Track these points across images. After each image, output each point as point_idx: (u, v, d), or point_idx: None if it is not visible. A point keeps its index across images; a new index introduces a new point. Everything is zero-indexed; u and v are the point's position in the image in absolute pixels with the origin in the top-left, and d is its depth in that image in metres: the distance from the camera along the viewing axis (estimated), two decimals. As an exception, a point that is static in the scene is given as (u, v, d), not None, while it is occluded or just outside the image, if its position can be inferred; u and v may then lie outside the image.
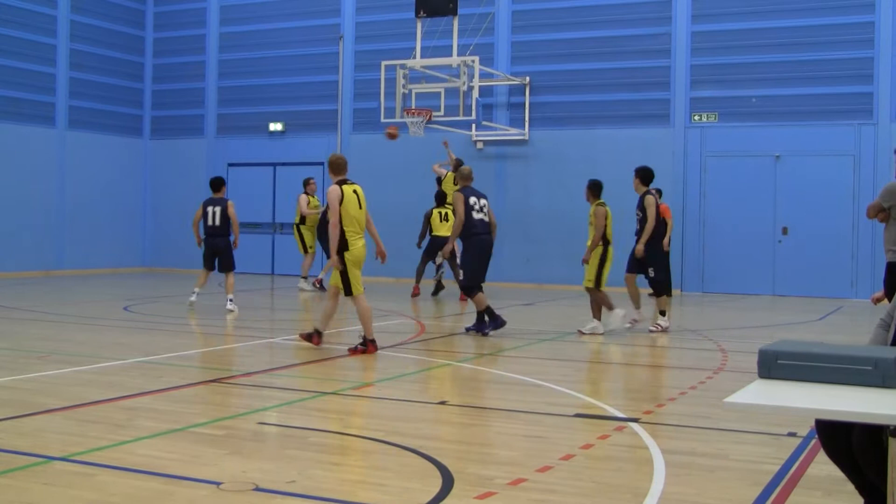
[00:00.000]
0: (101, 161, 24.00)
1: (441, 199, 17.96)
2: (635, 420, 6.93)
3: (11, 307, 15.08)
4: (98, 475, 5.36)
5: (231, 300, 14.52)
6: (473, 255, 11.98)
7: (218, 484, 5.15)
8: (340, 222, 10.02)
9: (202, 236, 14.74)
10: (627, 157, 20.37)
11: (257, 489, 5.08)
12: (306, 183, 18.91)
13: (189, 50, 25.36)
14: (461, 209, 11.84)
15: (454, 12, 18.25)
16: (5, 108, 22.02)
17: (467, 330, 12.07)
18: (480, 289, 11.95)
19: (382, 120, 19.23)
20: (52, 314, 14.30)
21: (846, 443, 4.22)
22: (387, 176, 21.49)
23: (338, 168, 10.50)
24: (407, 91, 18.98)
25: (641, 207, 12.59)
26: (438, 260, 18.03)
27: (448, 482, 5.25)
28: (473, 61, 18.28)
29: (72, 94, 23.70)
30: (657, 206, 12.54)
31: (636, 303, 13.06)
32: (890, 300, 6.41)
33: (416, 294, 17.72)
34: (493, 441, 6.44)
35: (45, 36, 23.08)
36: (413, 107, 18.71)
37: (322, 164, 23.33)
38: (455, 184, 16.02)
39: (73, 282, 19.99)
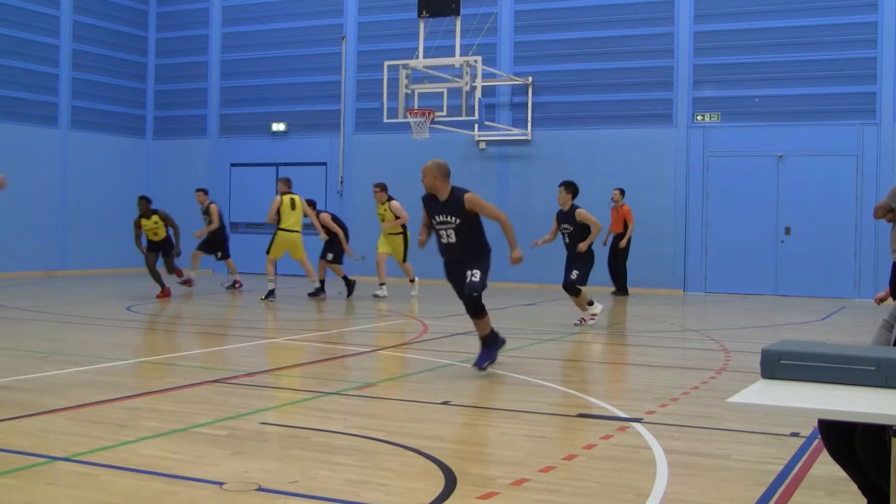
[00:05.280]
0: (104, 161, 24.05)
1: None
2: (638, 420, 6.92)
3: (13, 307, 15.09)
4: (101, 475, 5.36)
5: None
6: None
7: (220, 484, 5.15)
8: None
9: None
10: (630, 158, 20.42)
11: (260, 489, 5.08)
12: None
13: (192, 50, 25.38)
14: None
15: (457, 12, 18.26)
16: (8, 109, 22.06)
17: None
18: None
19: (385, 120, 19.25)
20: (54, 314, 14.31)
21: (849, 443, 4.22)
22: (389, 176, 21.47)
23: None
24: (409, 91, 18.97)
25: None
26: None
27: (450, 482, 5.25)
28: (476, 61, 18.27)
29: (74, 94, 23.73)
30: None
31: None
32: (895, 300, 6.41)
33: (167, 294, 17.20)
34: (495, 441, 6.44)
35: (48, 36, 23.12)
36: (416, 107, 18.71)
37: (325, 164, 23.37)
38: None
39: (75, 282, 19.99)
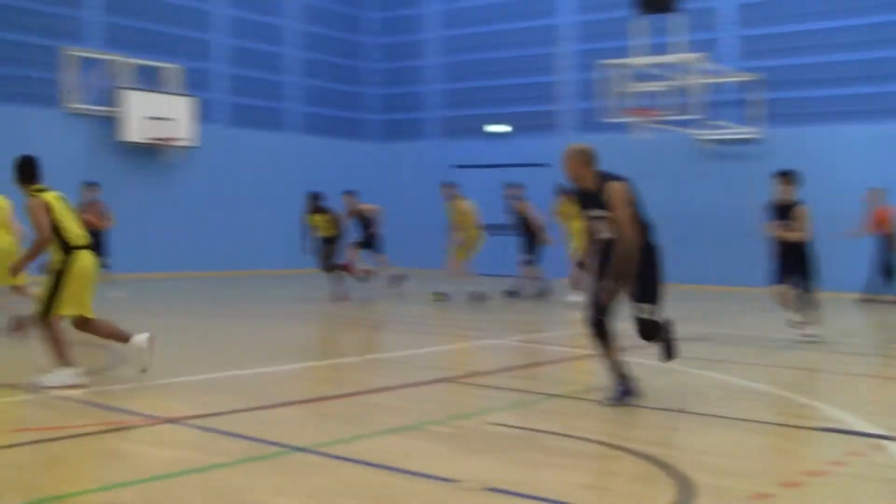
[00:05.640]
0: (331, 164, 24.97)
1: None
2: (892, 438, 6.42)
3: (255, 304, 15.83)
4: (337, 467, 5.50)
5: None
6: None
7: (451, 482, 5.18)
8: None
9: None
10: (870, 156, 19.23)
11: (489, 489, 5.07)
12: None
13: (412, 55, 26.03)
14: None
15: (677, 8, 17.86)
16: (247, 116, 23.41)
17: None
18: None
19: (604, 120, 19.08)
20: (294, 310, 14.92)
21: None
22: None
23: None
24: (629, 91, 18.73)
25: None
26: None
27: (683, 491, 5.07)
28: (698, 58, 17.82)
29: (304, 100, 24.85)
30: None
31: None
32: None
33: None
34: (728, 451, 6.17)
35: (274, 45, 24.34)
36: (636, 106, 18.43)
37: (547, 165, 23.31)
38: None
39: (309, 280, 20.70)
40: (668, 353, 7.73)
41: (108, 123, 20.76)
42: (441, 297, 16.20)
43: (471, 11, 25.07)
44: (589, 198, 7.54)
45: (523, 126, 23.89)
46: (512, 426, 6.72)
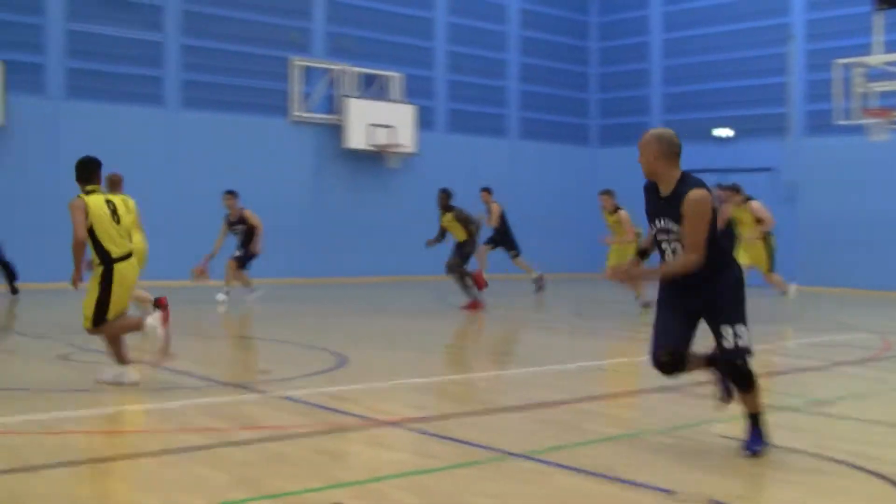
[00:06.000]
0: (551, 170, 24.97)
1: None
2: None
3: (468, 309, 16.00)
4: (553, 474, 5.43)
5: None
6: None
7: (670, 493, 5.00)
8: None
9: None
10: None
11: (712, 501, 4.86)
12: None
13: (633, 58, 25.68)
14: None
15: (922, 2, 16.82)
16: (462, 121, 23.74)
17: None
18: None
19: (838, 122, 18.21)
20: (505, 315, 14.95)
21: None
22: (840, 182, 20.22)
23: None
24: (867, 90, 17.81)
25: None
26: None
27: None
28: (944, 54, 16.74)
29: (522, 105, 24.96)
30: None
31: None
32: None
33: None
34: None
35: (497, 51, 24.57)
36: (875, 107, 17.50)
37: (770, 169, 22.40)
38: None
39: (525, 287, 20.77)
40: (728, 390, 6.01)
41: (333, 131, 21.56)
42: (648, 308, 15.48)
43: (693, 13, 24.45)
44: (660, 203, 5.84)
45: (748, 130, 23.06)
46: (736, 438, 6.43)
